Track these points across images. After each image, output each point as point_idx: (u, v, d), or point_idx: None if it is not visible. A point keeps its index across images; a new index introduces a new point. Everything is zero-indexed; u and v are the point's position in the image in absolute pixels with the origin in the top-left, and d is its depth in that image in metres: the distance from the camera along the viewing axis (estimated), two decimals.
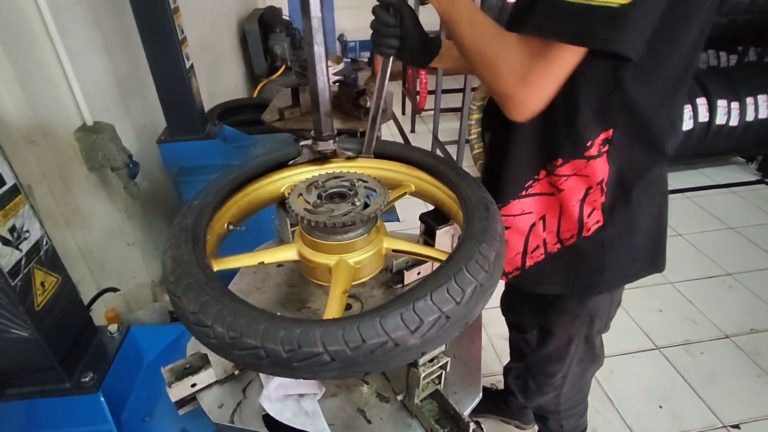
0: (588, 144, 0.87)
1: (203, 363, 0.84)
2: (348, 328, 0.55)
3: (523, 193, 0.97)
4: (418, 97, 4.21)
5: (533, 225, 1.00)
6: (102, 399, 0.98)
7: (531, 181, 0.96)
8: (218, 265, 0.79)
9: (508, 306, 1.49)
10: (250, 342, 0.56)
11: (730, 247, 2.75)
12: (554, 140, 0.90)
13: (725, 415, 1.83)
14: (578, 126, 0.85)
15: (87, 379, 0.98)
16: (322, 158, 1.05)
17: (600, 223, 0.95)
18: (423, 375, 0.74)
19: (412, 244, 0.89)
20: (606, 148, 0.87)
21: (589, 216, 0.94)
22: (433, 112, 3.57)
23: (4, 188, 0.84)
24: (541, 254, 1.02)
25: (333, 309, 0.72)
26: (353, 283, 0.83)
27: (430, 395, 0.80)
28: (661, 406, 1.88)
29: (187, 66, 1.78)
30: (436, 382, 0.79)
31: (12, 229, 0.85)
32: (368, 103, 2.04)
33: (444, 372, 0.79)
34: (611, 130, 0.85)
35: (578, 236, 0.97)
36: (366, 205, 0.83)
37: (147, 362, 1.17)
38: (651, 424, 1.81)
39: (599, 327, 1.15)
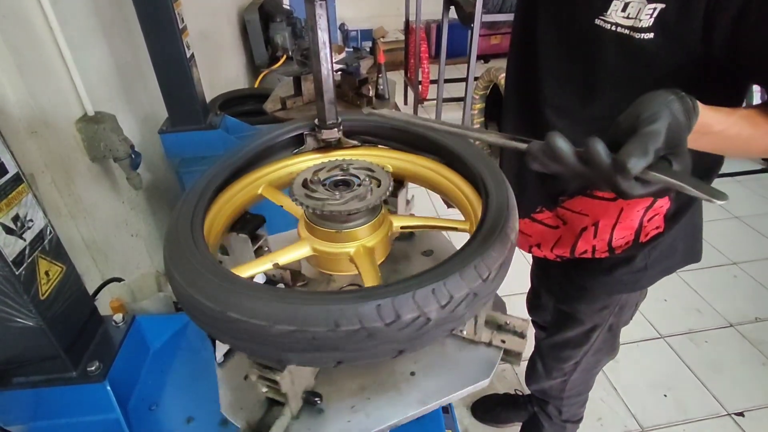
0: None
1: (271, 406, 0.75)
2: (384, 303, 0.55)
3: (589, 191, 0.92)
4: (420, 86, 4.18)
5: (584, 229, 0.95)
6: (108, 388, 0.98)
7: None
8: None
9: (534, 305, 1.48)
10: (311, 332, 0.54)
11: (735, 237, 2.74)
12: None
13: (730, 403, 1.84)
14: None
15: (93, 368, 0.98)
16: (326, 147, 1.04)
17: (660, 230, 0.91)
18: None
19: (423, 218, 0.88)
20: None
21: (649, 221, 0.90)
22: (435, 101, 3.54)
23: (7, 177, 0.84)
24: (588, 257, 0.99)
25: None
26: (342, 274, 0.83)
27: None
28: (665, 395, 1.88)
29: (188, 55, 1.76)
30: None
31: (15, 218, 0.85)
32: (370, 92, 2.02)
33: None
34: None
35: (633, 243, 0.93)
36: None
37: (153, 351, 1.17)
38: (656, 413, 1.82)
39: (626, 318, 1.14)
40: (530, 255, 1.42)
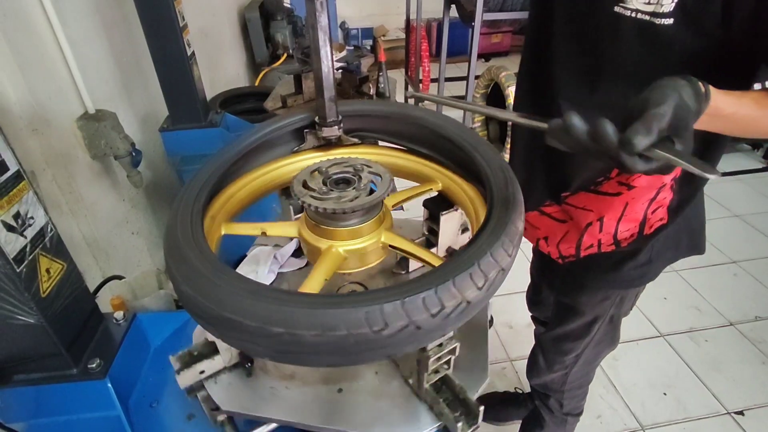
0: None
1: (211, 350, 0.83)
2: (428, 296, 0.56)
3: (593, 187, 0.94)
4: (421, 85, 4.18)
5: (590, 224, 0.97)
6: (109, 385, 0.98)
7: (603, 178, 0.92)
8: (226, 230, 0.83)
9: (534, 301, 1.49)
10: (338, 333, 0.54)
11: (736, 235, 2.74)
12: None
13: (729, 402, 1.84)
14: None
15: (94, 365, 0.99)
16: (326, 144, 1.04)
17: (663, 221, 0.92)
18: (433, 359, 0.73)
19: (410, 243, 0.85)
20: None
21: (653, 213, 0.91)
22: None
23: (7, 174, 0.84)
24: (594, 251, 1.00)
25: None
26: (349, 272, 0.84)
27: (439, 380, 0.79)
28: (665, 393, 1.88)
29: (189, 53, 1.76)
30: (446, 368, 0.79)
31: (16, 216, 0.85)
32: (371, 90, 2.02)
33: (453, 357, 0.78)
34: None
35: (638, 236, 0.94)
36: (372, 192, 0.81)
37: (153, 349, 1.17)
38: (655, 411, 1.82)
39: (627, 308, 1.15)
40: (530, 253, 1.42)
